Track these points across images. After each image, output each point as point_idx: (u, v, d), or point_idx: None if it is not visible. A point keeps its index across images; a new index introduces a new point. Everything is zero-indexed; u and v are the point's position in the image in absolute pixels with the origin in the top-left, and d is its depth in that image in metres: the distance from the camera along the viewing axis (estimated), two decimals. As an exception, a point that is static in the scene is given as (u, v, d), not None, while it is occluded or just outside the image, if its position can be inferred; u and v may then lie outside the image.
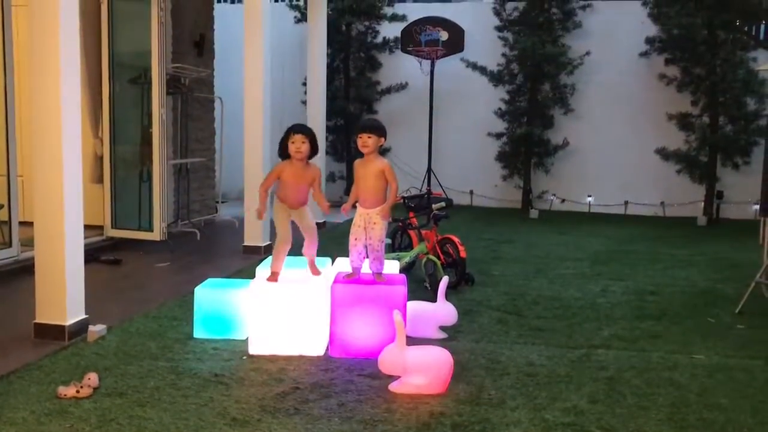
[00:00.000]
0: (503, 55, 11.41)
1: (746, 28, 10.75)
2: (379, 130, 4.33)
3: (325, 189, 4.86)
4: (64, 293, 4.34)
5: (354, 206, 4.48)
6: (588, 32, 11.30)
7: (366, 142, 4.29)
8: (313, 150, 4.35)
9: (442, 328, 4.64)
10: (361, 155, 4.40)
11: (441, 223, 6.18)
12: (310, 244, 4.45)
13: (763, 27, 10.93)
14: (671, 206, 11.32)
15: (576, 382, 3.89)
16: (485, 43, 11.56)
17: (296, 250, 4.47)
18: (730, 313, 5.39)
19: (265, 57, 7.18)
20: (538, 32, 11.00)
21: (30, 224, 4.57)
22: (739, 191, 10.87)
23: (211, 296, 4.55)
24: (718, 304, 5.67)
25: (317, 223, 4.75)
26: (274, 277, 4.39)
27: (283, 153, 4.35)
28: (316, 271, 4.50)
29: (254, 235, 7.30)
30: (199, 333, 4.50)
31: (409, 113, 11.92)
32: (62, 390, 3.50)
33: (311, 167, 4.39)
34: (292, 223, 4.42)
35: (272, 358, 4.14)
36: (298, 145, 4.28)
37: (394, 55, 11.97)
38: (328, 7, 9.81)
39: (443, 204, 6.41)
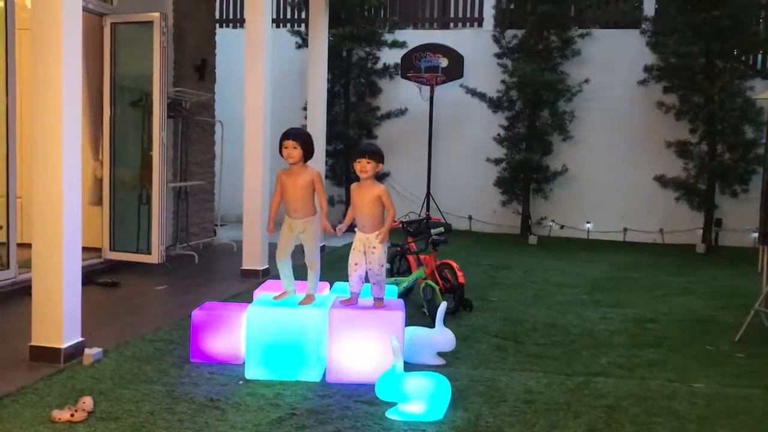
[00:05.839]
0: (502, 81, 11.47)
1: (744, 58, 10.84)
2: (378, 156, 4.35)
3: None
4: (60, 316, 4.32)
5: (352, 229, 4.47)
6: (587, 60, 11.39)
7: (365, 167, 4.31)
8: (307, 153, 4.35)
9: (440, 354, 4.62)
10: (358, 178, 4.41)
11: (439, 249, 6.17)
12: (311, 280, 4.44)
13: (760, 56, 11.03)
14: (670, 233, 11.33)
15: (574, 411, 3.86)
16: (485, 69, 11.64)
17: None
18: (729, 342, 5.36)
19: (266, 82, 7.22)
20: (537, 59, 11.08)
21: (28, 246, 4.56)
22: (737, 219, 10.88)
23: (209, 320, 4.53)
24: (717, 332, 5.65)
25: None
26: (282, 296, 4.43)
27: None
28: (309, 300, 4.44)
29: (252, 259, 7.29)
30: (195, 357, 4.48)
31: (408, 139, 11.97)
32: (57, 414, 3.48)
33: (308, 169, 4.37)
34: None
35: (268, 383, 4.11)
36: (289, 150, 4.31)
37: (394, 81, 12.04)
38: (329, 33, 9.89)
39: (442, 229, 6.38)
